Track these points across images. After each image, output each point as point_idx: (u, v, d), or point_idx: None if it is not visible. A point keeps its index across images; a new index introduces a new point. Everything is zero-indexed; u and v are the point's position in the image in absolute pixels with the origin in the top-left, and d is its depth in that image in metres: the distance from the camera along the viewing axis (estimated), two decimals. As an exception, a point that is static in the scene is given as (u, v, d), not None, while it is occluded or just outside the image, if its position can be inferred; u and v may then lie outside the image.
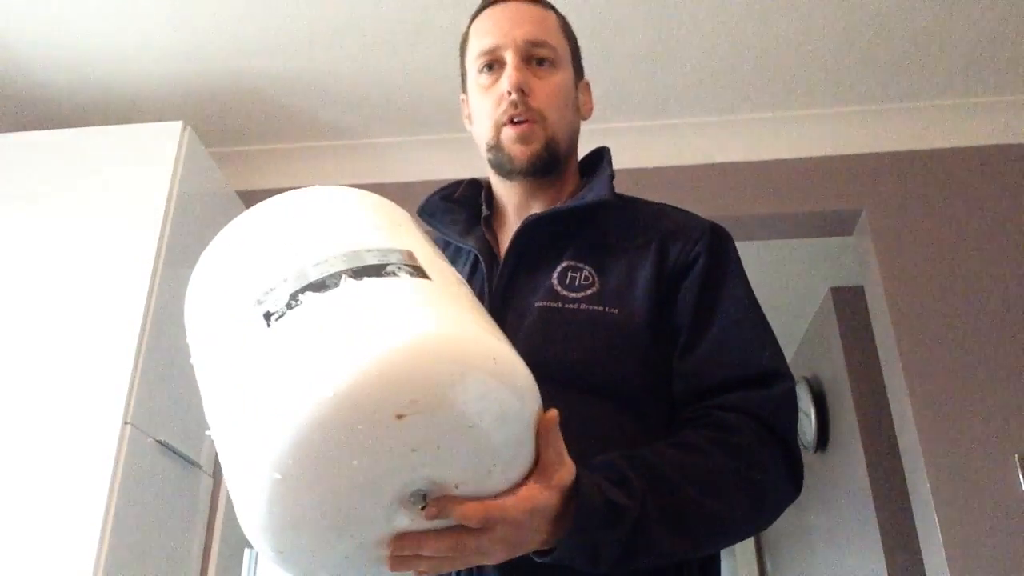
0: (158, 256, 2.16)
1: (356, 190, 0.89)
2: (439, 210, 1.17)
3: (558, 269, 1.04)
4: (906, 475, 2.44)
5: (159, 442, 2.11)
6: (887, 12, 2.33)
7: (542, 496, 0.76)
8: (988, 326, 2.43)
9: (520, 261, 1.06)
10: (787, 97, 2.66)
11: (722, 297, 1.03)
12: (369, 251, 0.74)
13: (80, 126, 2.51)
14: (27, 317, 2.10)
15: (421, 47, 2.44)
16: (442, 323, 0.69)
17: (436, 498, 0.72)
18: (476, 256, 1.10)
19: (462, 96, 1.20)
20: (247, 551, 2.55)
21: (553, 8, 1.17)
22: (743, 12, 2.33)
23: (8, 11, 2.30)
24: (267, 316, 0.71)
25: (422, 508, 0.72)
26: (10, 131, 2.55)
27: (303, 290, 0.71)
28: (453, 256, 1.16)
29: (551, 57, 1.10)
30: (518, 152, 1.07)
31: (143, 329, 2.08)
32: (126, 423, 1.98)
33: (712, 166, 2.74)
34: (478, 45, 1.12)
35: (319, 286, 0.71)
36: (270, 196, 2.99)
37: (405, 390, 0.64)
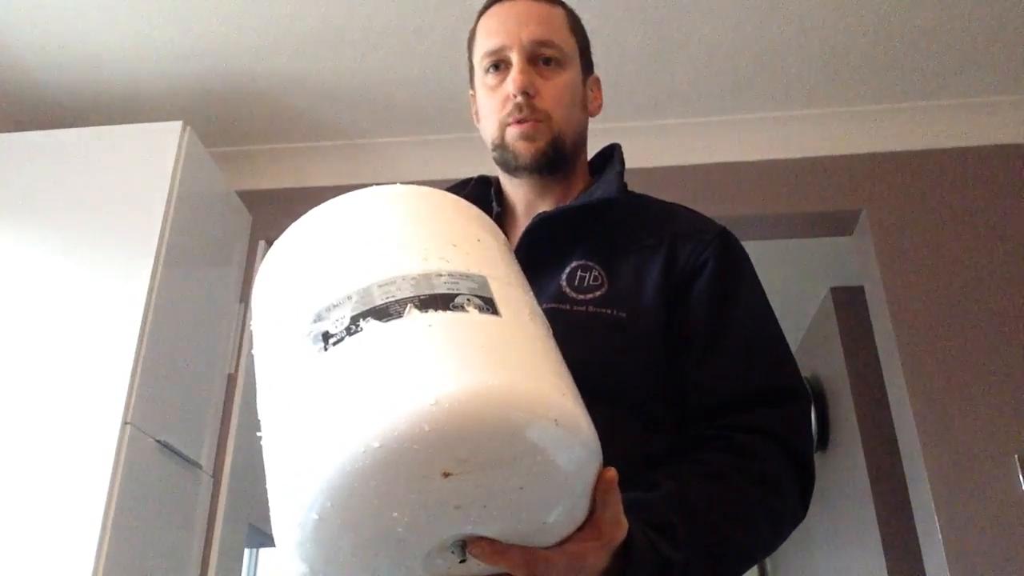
0: (158, 256, 2.16)
1: (439, 192, 0.85)
2: None
3: (567, 269, 1.03)
4: (906, 475, 2.44)
5: (159, 442, 2.11)
6: (887, 12, 2.33)
7: (592, 555, 0.73)
8: (988, 326, 2.42)
9: (529, 261, 1.02)
10: (787, 97, 2.66)
11: (738, 305, 1.02)
12: (440, 275, 0.70)
13: (80, 126, 2.51)
14: (27, 318, 2.10)
15: (422, 47, 2.44)
16: (501, 376, 0.64)
17: (480, 541, 0.68)
18: None
19: (470, 92, 1.19)
20: (247, 551, 2.56)
21: (561, 4, 1.16)
22: (742, 12, 2.33)
23: (7, 11, 2.30)
24: (326, 337, 0.67)
25: (461, 561, 0.68)
26: (10, 131, 2.55)
27: (365, 315, 0.67)
28: None
29: (557, 56, 1.09)
30: (523, 149, 1.07)
31: (143, 329, 2.08)
32: (126, 423, 1.98)
33: (712, 166, 2.74)
34: (484, 44, 1.11)
35: (383, 313, 0.67)
36: (270, 196, 2.98)
37: (454, 448, 0.61)
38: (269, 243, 2.79)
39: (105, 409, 1.98)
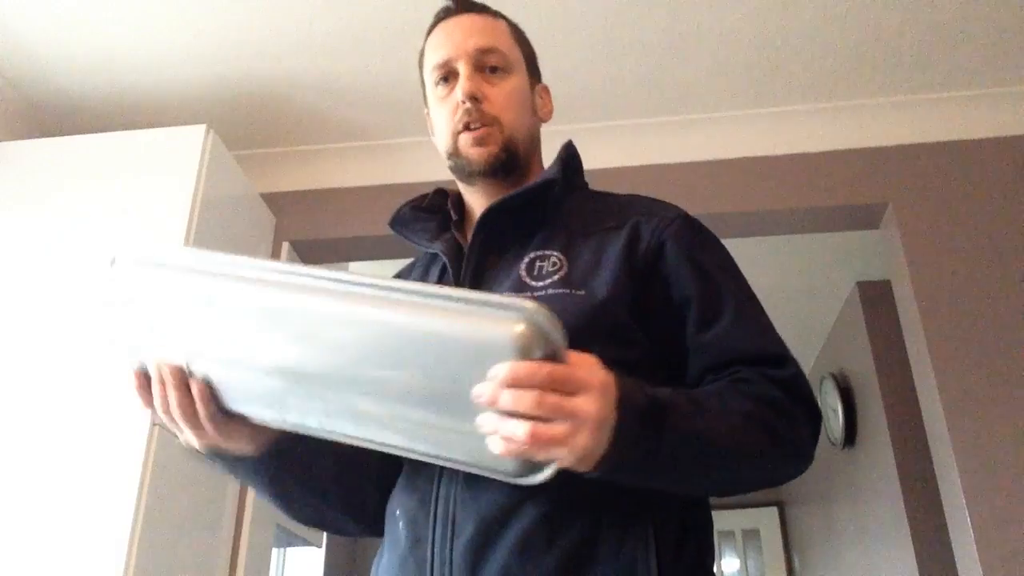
0: (184, 259, 2.18)
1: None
2: (409, 219, 1.20)
3: (525, 260, 1.05)
4: (936, 470, 2.41)
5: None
6: (912, 1, 2.30)
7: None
8: (1018, 319, 2.39)
9: (484, 252, 1.08)
10: (810, 89, 2.63)
11: (722, 274, 1.04)
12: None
13: (104, 131, 2.53)
14: (56, 320, 2.12)
15: (441, 46, 2.44)
16: None
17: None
18: (445, 259, 1.12)
19: (425, 110, 1.23)
20: (275, 550, 2.57)
21: (503, 16, 1.21)
22: (763, 3, 2.31)
23: (31, 17, 2.33)
24: None
25: None
26: (35, 137, 2.58)
27: None
28: (428, 263, 1.19)
29: (502, 64, 1.14)
30: (475, 155, 1.10)
31: (170, 331, 2.09)
32: (155, 424, 1.99)
33: (735, 161, 2.72)
34: (432, 58, 1.16)
35: None
36: (294, 198, 3.00)
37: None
38: (293, 245, 2.81)
39: (134, 410, 2.00)
